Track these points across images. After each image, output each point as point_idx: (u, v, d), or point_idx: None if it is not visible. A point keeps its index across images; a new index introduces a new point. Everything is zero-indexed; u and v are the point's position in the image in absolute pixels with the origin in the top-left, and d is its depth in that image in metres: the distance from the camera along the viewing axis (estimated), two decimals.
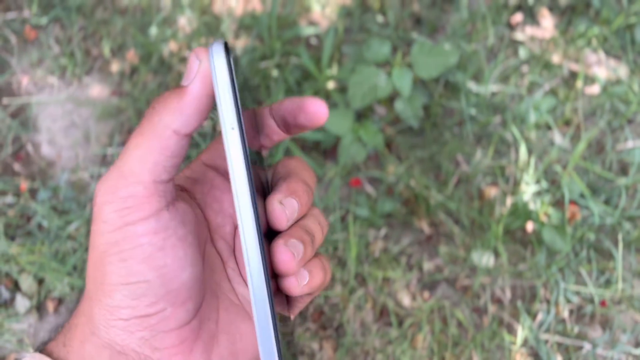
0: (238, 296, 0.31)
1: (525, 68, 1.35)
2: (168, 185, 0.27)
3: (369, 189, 1.18)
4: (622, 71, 1.33)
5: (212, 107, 0.28)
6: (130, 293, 0.25)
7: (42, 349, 0.28)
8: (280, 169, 0.33)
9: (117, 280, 0.25)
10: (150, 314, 0.26)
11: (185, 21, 1.42)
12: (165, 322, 0.26)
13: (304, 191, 0.30)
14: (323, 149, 1.22)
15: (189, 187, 0.32)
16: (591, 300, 1.06)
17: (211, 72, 0.26)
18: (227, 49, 0.27)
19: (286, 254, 0.27)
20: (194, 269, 0.27)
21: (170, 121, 0.26)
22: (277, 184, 0.31)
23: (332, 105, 1.22)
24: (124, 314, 0.26)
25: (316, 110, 0.30)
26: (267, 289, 0.26)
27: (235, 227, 0.32)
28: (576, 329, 1.03)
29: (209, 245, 0.31)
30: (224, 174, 0.33)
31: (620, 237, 1.08)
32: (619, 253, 1.05)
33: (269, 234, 0.28)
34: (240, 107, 0.26)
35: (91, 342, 0.27)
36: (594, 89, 1.30)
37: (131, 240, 0.25)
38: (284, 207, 0.29)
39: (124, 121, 1.28)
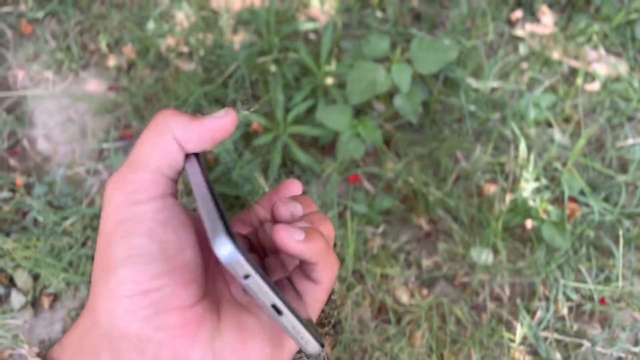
0: (241, 301, 0.31)
1: (525, 64, 1.34)
2: (172, 183, 0.29)
3: (368, 185, 1.18)
4: (622, 68, 1.32)
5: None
6: (133, 266, 0.26)
7: (43, 355, 0.28)
8: None
9: (120, 254, 0.26)
10: (153, 288, 0.26)
11: (183, 16, 1.40)
12: (168, 299, 0.26)
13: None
14: (321, 145, 1.21)
15: None
16: (590, 298, 1.05)
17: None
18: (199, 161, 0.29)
19: (285, 230, 0.28)
20: (195, 254, 0.28)
21: (174, 125, 0.28)
22: None
23: (330, 101, 1.21)
24: (126, 290, 0.25)
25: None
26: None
27: None
28: (575, 327, 1.03)
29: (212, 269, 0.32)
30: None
31: (620, 234, 1.07)
32: (618, 250, 1.05)
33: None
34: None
35: (91, 333, 0.26)
36: (594, 86, 1.30)
37: (136, 218, 0.27)
38: (287, 205, 0.31)
39: (121, 116, 1.27)
